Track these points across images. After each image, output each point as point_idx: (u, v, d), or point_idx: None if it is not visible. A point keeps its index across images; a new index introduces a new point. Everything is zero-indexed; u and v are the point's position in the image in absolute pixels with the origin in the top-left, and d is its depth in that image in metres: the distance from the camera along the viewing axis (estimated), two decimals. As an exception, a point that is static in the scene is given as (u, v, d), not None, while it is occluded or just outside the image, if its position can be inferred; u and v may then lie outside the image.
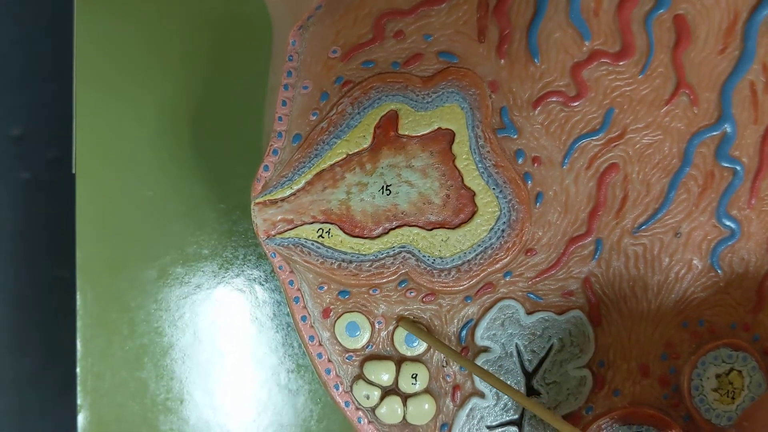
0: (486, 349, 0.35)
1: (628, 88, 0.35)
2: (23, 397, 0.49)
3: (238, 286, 0.42)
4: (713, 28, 0.34)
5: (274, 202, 0.34)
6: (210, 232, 0.42)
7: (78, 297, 0.41)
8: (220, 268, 0.42)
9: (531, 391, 0.35)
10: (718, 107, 0.35)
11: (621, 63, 0.35)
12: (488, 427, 0.35)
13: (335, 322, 0.34)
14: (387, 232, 0.34)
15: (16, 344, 0.48)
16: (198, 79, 0.42)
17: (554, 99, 0.35)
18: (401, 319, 0.34)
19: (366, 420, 0.34)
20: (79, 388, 0.41)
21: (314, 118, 0.34)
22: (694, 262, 0.35)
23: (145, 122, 0.42)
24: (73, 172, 0.41)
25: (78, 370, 0.41)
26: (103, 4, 0.41)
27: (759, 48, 0.35)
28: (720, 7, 0.34)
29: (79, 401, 0.41)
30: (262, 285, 0.42)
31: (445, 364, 0.35)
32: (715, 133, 0.35)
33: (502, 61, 0.34)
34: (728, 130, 0.35)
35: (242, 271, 0.42)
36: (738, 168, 0.35)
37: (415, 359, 0.35)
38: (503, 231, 0.34)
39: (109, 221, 0.41)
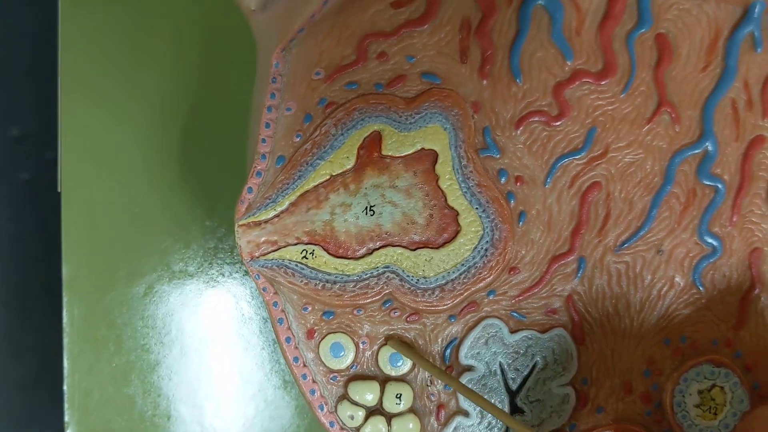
0: (470, 368, 0.35)
1: (610, 107, 0.35)
2: (17, 401, 0.49)
3: (224, 303, 0.42)
4: (695, 46, 0.35)
5: (258, 224, 0.34)
6: (196, 249, 0.42)
7: (65, 314, 0.41)
8: (206, 285, 0.42)
9: (515, 409, 0.35)
10: (700, 125, 0.35)
11: (603, 82, 0.35)
12: (472, 446, 0.35)
13: (319, 342, 0.34)
14: (371, 253, 0.34)
15: (12, 348, 0.49)
16: (185, 93, 0.42)
17: (536, 118, 0.35)
18: (389, 338, 0.35)
19: (350, 440, 0.35)
20: (66, 405, 0.41)
21: (298, 139, 0.34)
22: (676, 279, 0.36)
23: (131, 138, 0.42)
24: (59, 190, 0.41)
25: (65, 387, 0.41)
26: (87, 26, 0.42)
27: (740, 65, 0.35)
28: (701, 25, 0.35)
29: (66, 418, 0.41)
30: (248, 302, 0.42)
31: (429, 383, 0.35)
32: (696, 151, 0.35)
33: (485, 81, 0.35)
34: (710, 148, 0.35)
35: (228, 288, 0.42)
36: (719, 186, 0.35)
37: (400, 379, 0.35)
38: (486, 250, 0.34)
39: (95, 238, 0.41)
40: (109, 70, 0.42)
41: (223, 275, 0.42)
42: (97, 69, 0.42)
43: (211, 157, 0.42)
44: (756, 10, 0.34)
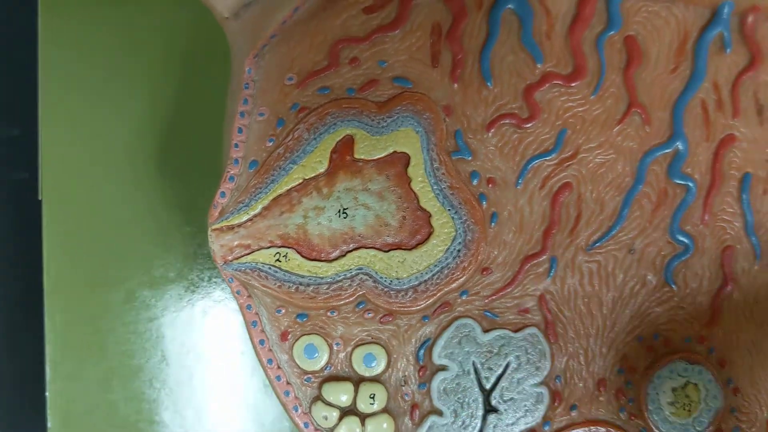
0: (443, 368, 0.35)
1: (580, 109, 0.35)
2: (3, 403, 0.49)
3: (204, 307, 0.42)
4: (664, 49, 0.35)
5: (231, 228, 0.34)
6: (176, 254, 0.42)
7: (46, 321, 0.41)
8: (186, 291, 0.42)
9: (489, 408, 0.36)
10: (670, 126, 0.36)
11: (573, 84, 0.35)
12: (447, 445, 0.35)
13: (293, 344, 0.35)
14: (344, 255, 0.34)
15: (10, 346, 0.49)
16: (166, 98, 0.42)
17: (507, 121, 0.35)
18: None
19: (325, 440, 0.35)
20: (49, 412, 0.42)
21: (270, 144, 0.34)
22: (649, 277, 0.36)
23: (111, 145, 0.42)
24: (40, 198, 0.42)
25: (47, 393, 0.42)
26: (67, 34, 0.42)
27: (709, 67, 0.35)
28: (670, 27, 0.35)
29: (49, 424, 0.42)
30: (228, 306, 0.42)
31: (403, 383, 0.35)
32: (667, 151, 0.36)
33: (456, 85, 0.35)
34: (680, 147, 0.36)
35: (208, 292, 0.42)
36: (690, 185, 0.36)
37: (374, 379, 0.35)
38: (459, 251, 0.35)
39: (76, 244, 0.42)
40: (89, 83, 0.42)
41: (203, 280, 0.42)
42: (77, 80, 0.42)
43: (191, 163, 0.42)
44: (725, 11, 0.35)
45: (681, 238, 0.36)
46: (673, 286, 0.36)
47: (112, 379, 0.42)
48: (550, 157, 0.35)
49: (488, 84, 0.35)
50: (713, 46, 0.35)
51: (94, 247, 0.42)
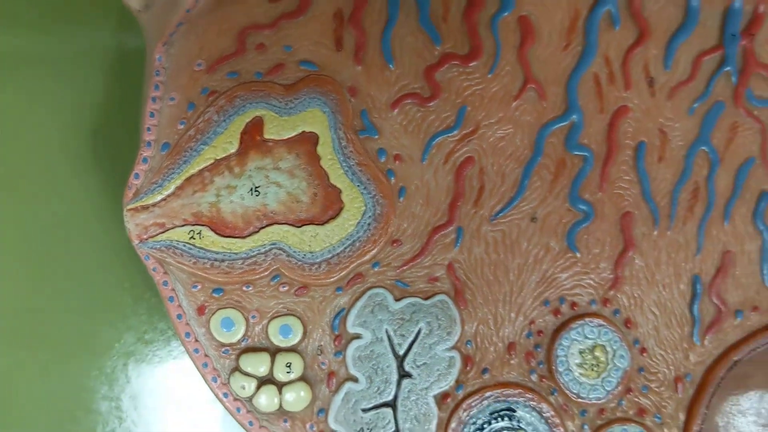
0: (358, 336, 0.37)
1: (478, 87, 0.37)
2: None
3: (140, 294, 0.43)
4: (556, 27, 0.37)
5: (145, 208, 0.35)
6: (110, 241, 0.43)
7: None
8: (123, 278, 0.43)
9: (403, 373, 0.37)
10: (565, 100, 0.38)
11: (471, 64, 0.37)
12: (363, 410, 0.37)
13: (210, 318, 0.36)
14: (257, 231, 0.36)
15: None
16: (94, 94, 0.43)
17: (410, 100, 0.37)
18: None
19: (244, 410, 0.36)
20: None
21: (182, 126, 0.36)
22: (552, 244, 0.38)
23: (43, 135, 0.43)
24: None
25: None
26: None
27: (601, 42, 0.37)
28: (561, 7, 0.37)
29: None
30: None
31: (320, 352, 0.37)
32: (563, 124, 0.38)
33: (359, 67, 0.37)
34: (576, 120, 0.38)
35: (142, 279, 0.43)
36: (587, 155, 0.38)
37: (290, 349, 0.37)
38: (369, 224, 0.36)
39: (12, 237, 0.42)
40: (17, 73, 0.43)
41: (140, 269, 0.43)
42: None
43: (123, 153, 0.43)
44: (612, -11, 0.37)
45: (581, 206, 0.38)
46: (576, 252, 0.38)
47: (49, 368, 0.43)
48: (452, 134, 0.37)
49: (390, 65, 0.37)
50: (603, 23, 0.37)
51: (30, 239, 0.42)
